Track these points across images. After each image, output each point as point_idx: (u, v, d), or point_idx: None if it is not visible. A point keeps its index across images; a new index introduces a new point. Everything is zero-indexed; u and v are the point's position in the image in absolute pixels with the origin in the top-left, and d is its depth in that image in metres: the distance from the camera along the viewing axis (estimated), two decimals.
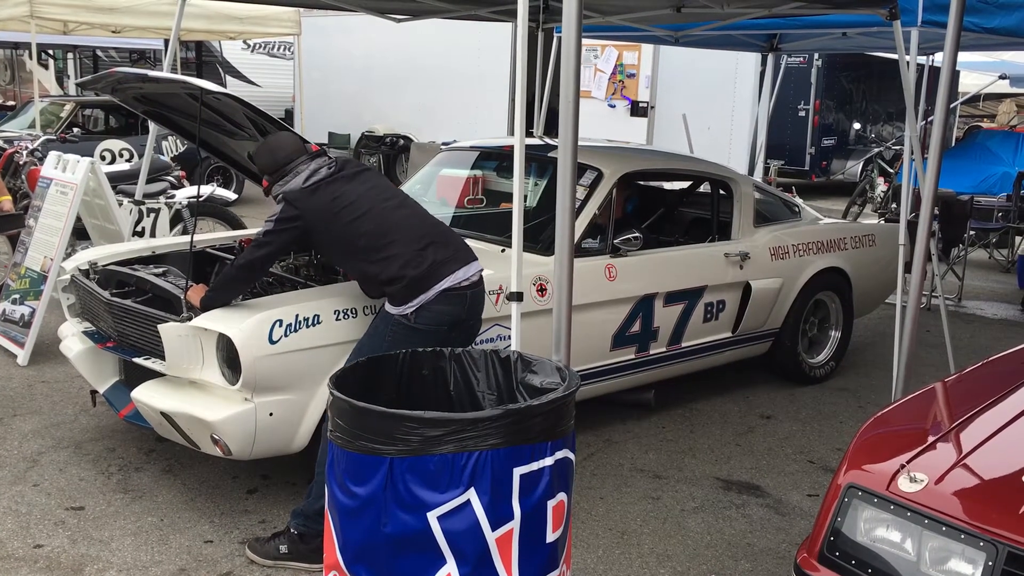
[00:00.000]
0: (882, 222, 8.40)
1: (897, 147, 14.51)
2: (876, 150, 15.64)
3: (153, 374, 3.93)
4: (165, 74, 4.02)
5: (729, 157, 11.42)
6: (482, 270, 3.65)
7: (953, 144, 15.04)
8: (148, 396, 3.80)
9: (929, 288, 8.00)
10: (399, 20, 6.59)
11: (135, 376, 4.15)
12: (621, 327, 4.72)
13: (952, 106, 16.46)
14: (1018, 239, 10.42)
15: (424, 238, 3.53)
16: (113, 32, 13.04)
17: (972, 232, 9.17)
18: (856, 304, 6.06)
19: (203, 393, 3.72)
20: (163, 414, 3.72)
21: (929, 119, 11.34)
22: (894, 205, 11.97)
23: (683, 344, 5.07)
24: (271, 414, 3.62)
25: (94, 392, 4.46)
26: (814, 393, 5.69)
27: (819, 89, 16.17)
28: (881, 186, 12.71)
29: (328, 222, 3.51)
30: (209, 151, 4.71)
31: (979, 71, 16.26)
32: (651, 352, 4.92)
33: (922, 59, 12.08)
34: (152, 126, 6.12)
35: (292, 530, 3.48)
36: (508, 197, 5.94)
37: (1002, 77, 15.54)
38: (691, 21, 6.40)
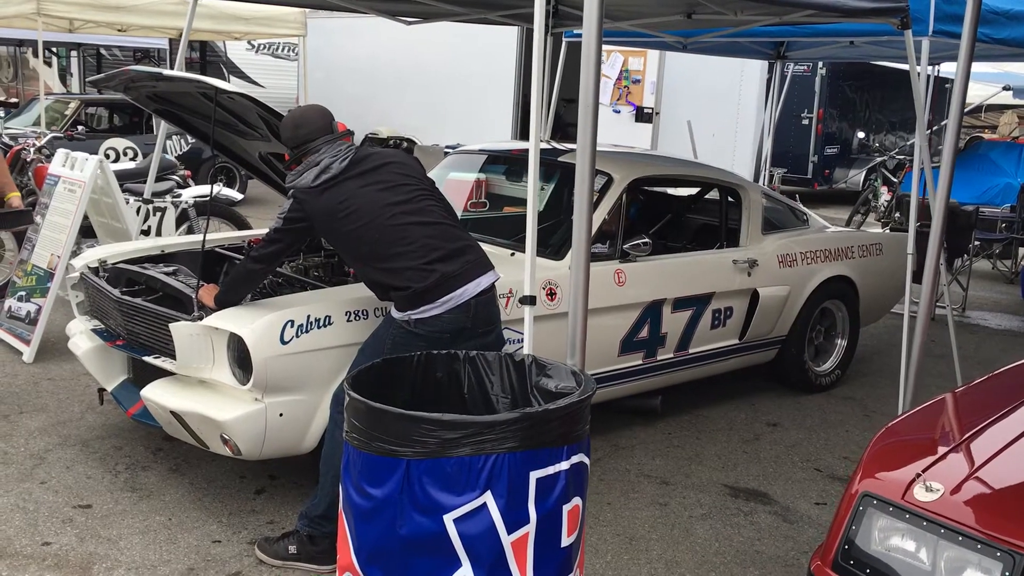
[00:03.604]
0: (887, 231, 8.40)
1: (900, 156, 14.51)
2: (879, 159, 15.66)
3: (162, 373, 3.92)
4: (179, 73, 4.02)
5: (733, 164, 11.42)
6: (496, 280, 3.54)
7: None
8: (158, 395, 3.79)
9: (934, 298, 7.99)
10: (409, 23, 6.59)
11: (143, 375, 4.15)
12: (629, 332, 4.72)
13: (945, 122, 16.43)
14: (1021, 250, 10.43)
15: (433, 251, 3.39)
16: (119, 31, 13.04)
17: (977, 243, 9.18)
18: (862, 313, 6.06)
19: (213, 393, 3.72)
20: (173, 413, 3.72)
21: (933, 128, 11.39)
22: (897, 214, 11.99)
23: (690, 350, 5.07)
24: (281, 414, 3.62)
25: (102, 390, 4.46)
26: (820, 401, 5.69)
27: (823, 98, 16.19)
28: (884, 195, 12.72)
29: (332, 225, 3.46)
30: (220, 151, 4.71)
31: (983, 82, 16.28)
32: (659, 358, 4.92)
33: (928, 69, 12.10)
34: (162, 125, 6.11)
35: (301, 531, 3.48)
36: (516, 201, 5.94)
37: (1006, 88, 15.57)
38: (701, 28, 6.40)
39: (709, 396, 5.55)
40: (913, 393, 4.26)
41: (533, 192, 3.43)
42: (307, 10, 12.61)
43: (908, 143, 17.17)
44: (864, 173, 16.36)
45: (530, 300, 3.45)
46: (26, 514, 3.77)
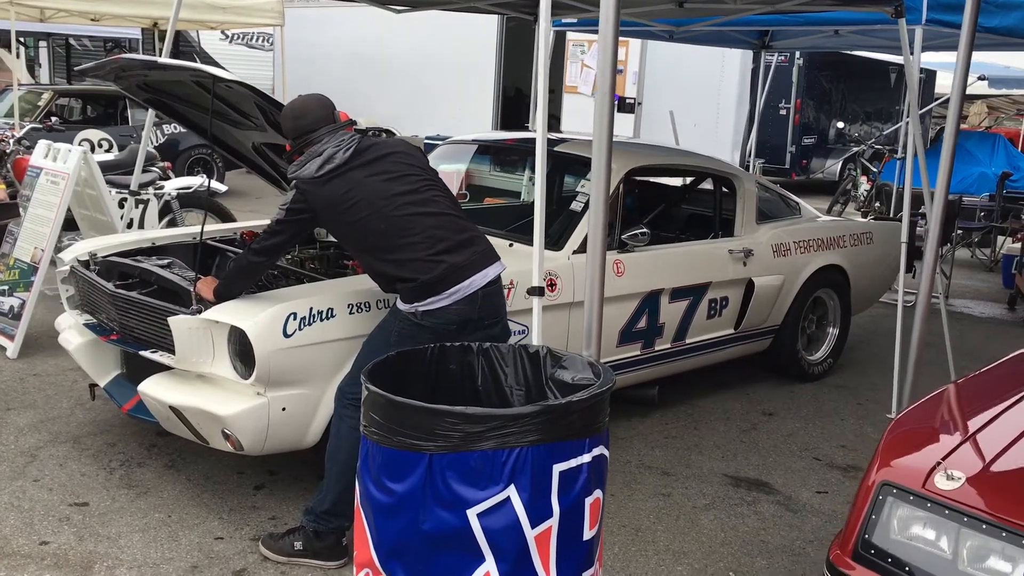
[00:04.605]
0: (871, 219, 8.43)
1: (877, 146, 14.62)
2: (855, 149, 15.76)
3: (157, 367, 3.85)
4: (175, 61, 3.93)
5: (714, 154, 11.44)
6: (502, 271, 3.48)
7: (928, 145, 15.17)
8: (156, 390, 3.71)
9: (932, 288, 8.03)
10: (399, 11, 6.53)
11: (137, 369, 4.08)
12: (628, 323, 4.69)
13: (928, 108, 16.62)
14: (1000, 238, 10.54)
15: (440, 242, 3.33)
16: (92, 20, 12.81)
17: (959, 231, 9.25)
18: (853, 302, 6.07)
19: (213, 387, 3.65)
20: (172, 408, 3.64)
21: (906, 120, 11.48)
22: (877, 203, 12.07)
23: (687, 340, 5.06)
24: (284, 409, 3.56)
25: (93, 385, 4.37)
26: (813, 390, 5.71)
27: (800, 88, 16.27)
28: (864, 185, 12.79)
29: (336, 216, 3.40)
30: (213, 141, 4.62)
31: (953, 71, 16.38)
32: (656, 348, 4.90)
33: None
34: (149, 115, 6.01)
35: (307, 527, 3.42)
36: (510, 193, 5.91)
37: (981, 78, 15.70)
38: (693, 16, 6.39)
39: (704, 386, 5.54)
40: (912, 383, 4.26)
41: (541, 183, 3.40)
42: None
43: (884, 132, 17.30)
44: (841, 163, 16.47)
45: (538, 291, 3.43)
46: (21, 513, 3.69)
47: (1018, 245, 8.73)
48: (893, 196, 10.71)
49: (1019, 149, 15.38)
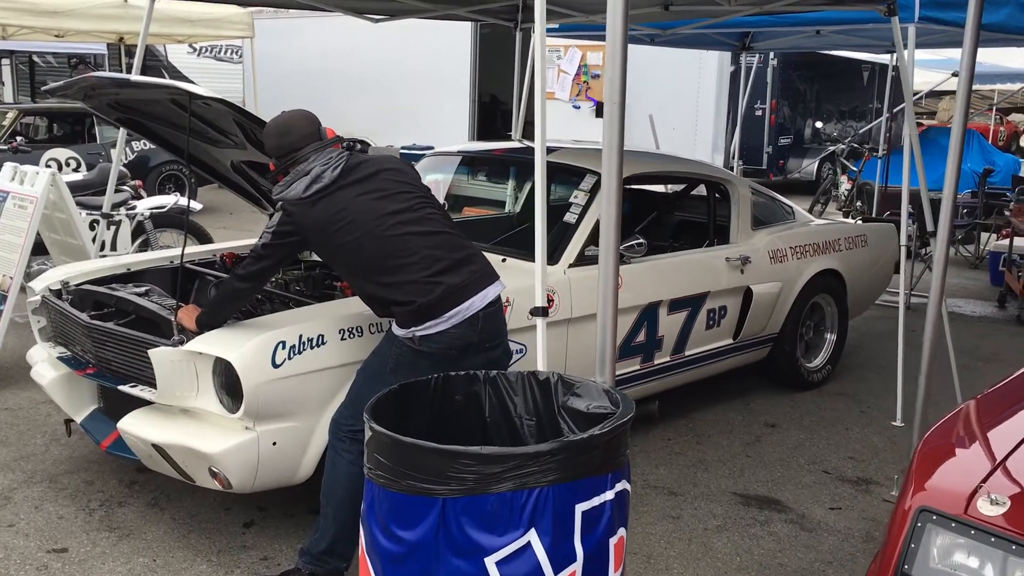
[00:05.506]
0: (860, 222, 8.34)
1: (855, 145, 14.57)
2: (831, 148, 15.73)
3: (136, 402, 3.63)
4: (148, 79, 3.73)
5: (695, 157, 11.34)
6: (502, 290, 3.31)
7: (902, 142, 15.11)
8: (137, 427, 3.50)
9: (910, 287, 7.95)
10: (376, 20, 6.34)
11: (115, 404, 3.86)
12: (627, 337, 4.53)
13: (901, 107, 16.57)
14: (984, 235, 10.49)
15: (437, 262, 3.15)
16: (57, 36, 12.49)
17: None
18: (850, 306, 5.95)
19: (198, 422, 3.44)
20: (155, 447, 3.43)
21: (885, 117, 11.44)
22: (859, 203, 12.01)
23: (687, 352, 4.91)
24: (274, 443, 3.36)
25: (69, 421, 4.14)
26: (814, 399, 5.57)
27: (775, 89, 16.22)
28: (845, 184, 12.73)
29: (326, 238, 3.20)
30: (185, 159, 4.41)
31: (927, 68, 16.39)
32: (656, 362, 4.74)
33: (886, 58, 12.12)
34: (121, 134, 5.78)
35: (303, 569, 3.23)
36: (497, 204, 5.74)
37: (955, 74, 15.68)
38: (678, 19, 6.25)
39: (703, 398, 5.38)
40: (924, 392, 4.10)
41: (541, 197, 3.24)
42: (252, 10, 12.25)
43: (859, 131, 17.30)
44: (817, 163, 16.44)
45: (541, 311, 3.26)
46: None
47: (1004, 242, 8.66)
48: (876, 195, 10.64)
49: (990, 142, 15.41)
